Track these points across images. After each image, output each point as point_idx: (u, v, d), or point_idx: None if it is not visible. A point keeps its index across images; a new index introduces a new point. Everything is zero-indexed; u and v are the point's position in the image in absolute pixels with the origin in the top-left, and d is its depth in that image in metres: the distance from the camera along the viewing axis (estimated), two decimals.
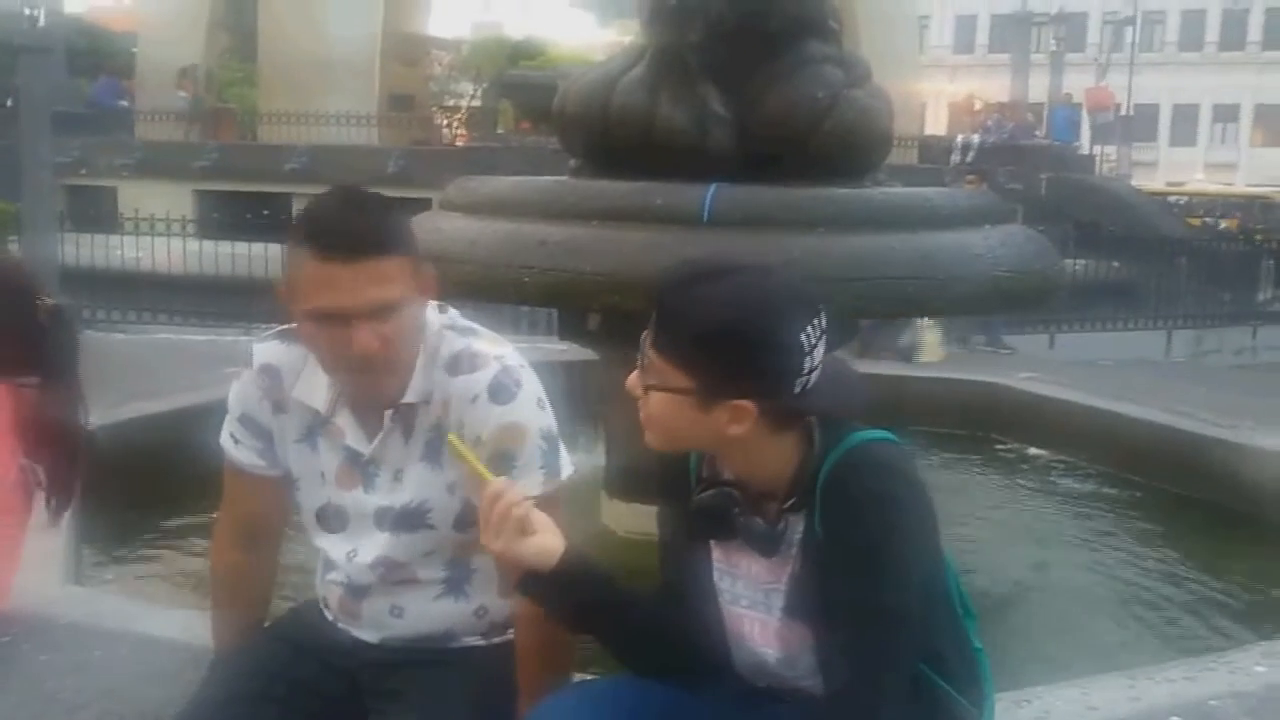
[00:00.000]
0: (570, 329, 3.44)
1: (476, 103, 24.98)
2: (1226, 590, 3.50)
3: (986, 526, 4.01)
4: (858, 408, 1.51)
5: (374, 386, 1.65)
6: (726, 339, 1.41)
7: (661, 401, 1.47)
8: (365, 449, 1.72)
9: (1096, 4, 43.58)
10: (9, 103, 13.03)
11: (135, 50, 19.65)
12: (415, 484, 1.72)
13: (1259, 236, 14.77)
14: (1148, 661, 2.51)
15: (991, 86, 30.74)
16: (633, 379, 1.50)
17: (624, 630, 1.60)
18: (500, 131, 17.77)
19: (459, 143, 19.35)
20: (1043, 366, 6.52)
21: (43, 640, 2.35)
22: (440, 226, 3.00)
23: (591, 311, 3.11)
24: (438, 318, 1.72)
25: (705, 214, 2.74)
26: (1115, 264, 11.77)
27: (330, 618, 1.84)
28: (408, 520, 1.73)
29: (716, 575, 1.60)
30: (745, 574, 1.57)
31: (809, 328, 1.42)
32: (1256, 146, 46.37)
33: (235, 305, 8.30)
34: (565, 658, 1.69)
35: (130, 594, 3.15)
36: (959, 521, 3.85)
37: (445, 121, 22.51)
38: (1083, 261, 10.80)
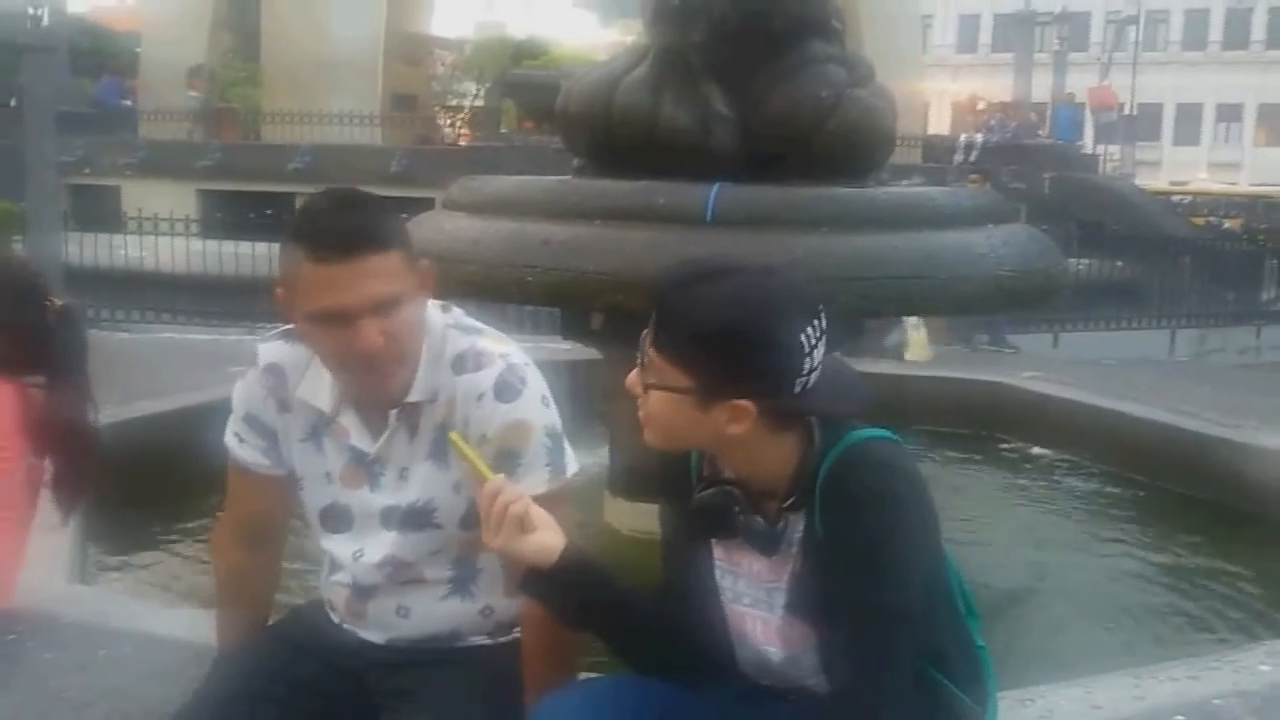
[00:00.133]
0: (573, 328, 3.44)
1: (479, 102, 25.02)
2: (1230, 590, 3.49)
3: (990, 526, 4.01)
4: (858, 408, 1.51)
5: (379, 385, 1.65)
6: (726, 339, 1.42)
7: (661, 400, 1.47)
8: (370, 448, 1.72)
9: (1100, 3, 43.49)
10: (13, 102, 13.07)
11: (138, 50, 19.67)
12: (421, 483, 1.72)
13: (1263, 236, 14.76)
14: (1152, 660, 2.51)
15: (994, 86, 30.73)
16: (632, 377, 1.50)
17: (626, 628, 1.60)
18: (503, 131, 17.79)
19: (462, 142, 19.39)
20: (1046, 366, 6.52)
21: (48, 638, 2.35)
22: (444, 226, 3.00)
23: (594, 311, 3.11)
24: (442, 317, 1.72)
25: (708, 213, 2.75)
26: (1119, 263, 11.75)
27: (336, 619, 1.84)
28: (414, 519, 1.73)
29: (718, 574, 1.60)
30: (747, 572, 1.57)
31: (809, 328, 1.42)
32: (1260, 146, 46.27)
33: (238, 305, 8.31)
34: (571, 657, 1.69)
35: (135, 593, 3.16)
36: (962, 521, 3.85)
37: (448, 121, 22.52)
38: (1086, 261, 10.78)
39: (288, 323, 1.69)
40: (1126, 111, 27.76)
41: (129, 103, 17.74)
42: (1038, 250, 3.04)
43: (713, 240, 2.63)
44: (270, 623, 1.91)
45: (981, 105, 23.41)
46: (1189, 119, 47.82)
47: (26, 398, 2.36)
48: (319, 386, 1.72)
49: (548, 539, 1.51)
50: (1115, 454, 4.78)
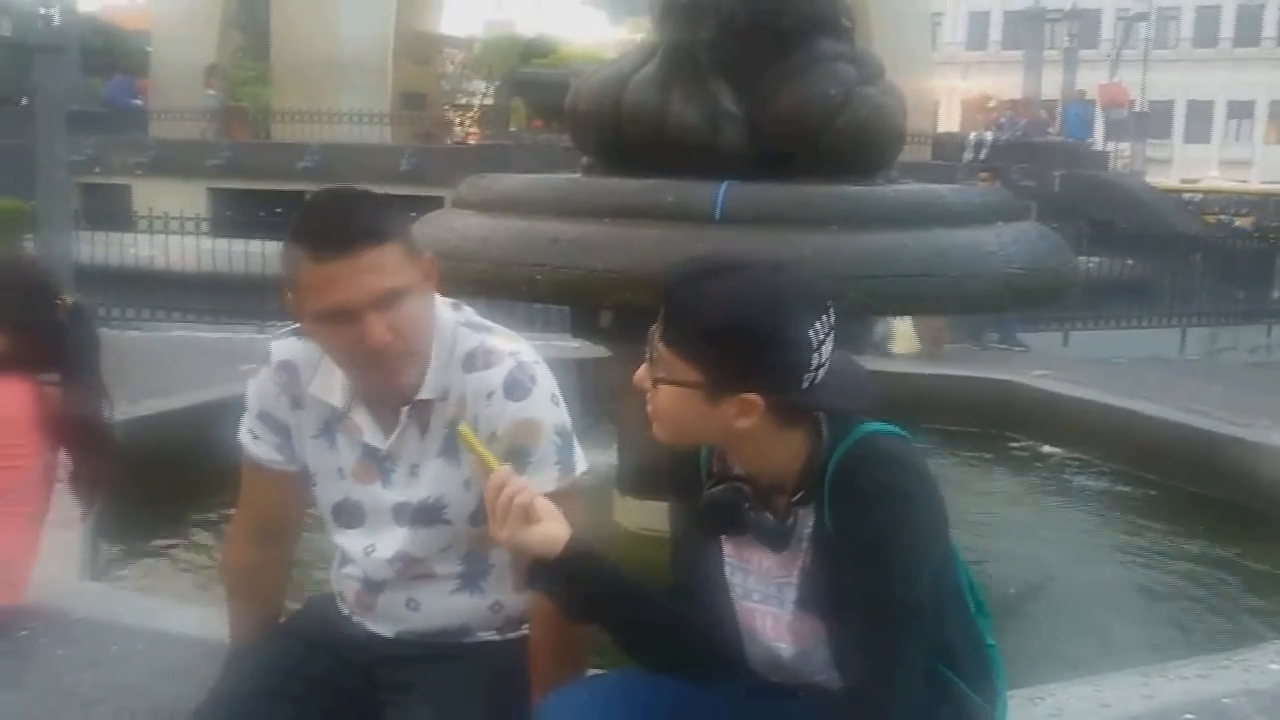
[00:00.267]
0: (582, 326, 3.44)
1: (488, 101, 25.02)
2: (1241, 588, 3.49)
3: (1000, 524, 4.00)
4: (865, 404, 1.52)
5: (389, 380, 1.66)
6: (735, 334, 1.42)
7: (669, 395, 1.47)
8: (382, 445, 1.73)
9: (1110, 0, 43.38)
10: (24, 101, 13.13)
11: (149, 49, 19.74)
12: (432, 479, 1.73)
13: (1274, 234, 14.70)
14: (1161, 659, 2.50)
15: (1004, 83, 30.65)
16: (641, 372, 1.51)
17: (634, 623, 1.60)
18: (512, 129, 17.78)
19: (471, 141, 19.38)
20: (1057, 364, 6.50)
21: (60, 635, 2.37)
22: (453, 224, 3.01)
23: (603, 309, 3.11)
24: (453, 315, 1.73)
25: (717, 211, 2.74)
26: (1129, 261, 11.72)
27: (346, 612, 1.85)
28: (425, 515, 1.74)
29: (728, 570, 1.60)
30: (757, 568, 1.58)
31: (817, 324, 1.43)
32: (1271, 143, 46.05)
33: (249, 303, 8.32)
34: (579, 653, 1.70)
35: (147, 589, 3.18)
36: (973, 519, 3.84)
37: (457, 119, 22.56)
38: (1097, 259, 10.75)
39: (298, 323, 1.70)
40: (1137, 109, 27.72)
41: (139, 102, 17.81)
42: (1048, 248, 3.03)
43: (721, 238, 2.63)
44: (281, 619, 1.92)
45: (991, 103, 23.37)
46: (1200, 116, 47.64)
47: (41, 395, 2.38)
48: (331, 383, 1.73)
49: (553, 530, 1.51)
50: (1126, 453, 4.76)
